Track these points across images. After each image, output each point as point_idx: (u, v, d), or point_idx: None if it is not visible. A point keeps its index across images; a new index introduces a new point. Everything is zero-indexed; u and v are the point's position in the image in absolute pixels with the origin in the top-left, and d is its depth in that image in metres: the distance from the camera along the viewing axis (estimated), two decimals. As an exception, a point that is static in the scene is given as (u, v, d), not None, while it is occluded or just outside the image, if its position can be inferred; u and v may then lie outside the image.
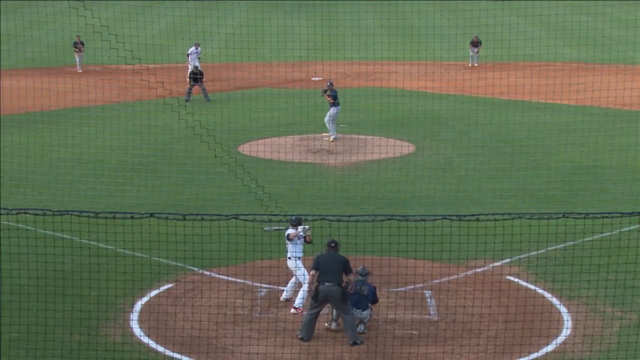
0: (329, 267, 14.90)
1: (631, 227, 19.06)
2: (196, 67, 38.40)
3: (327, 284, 14.86)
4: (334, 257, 15.05)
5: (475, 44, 48.96)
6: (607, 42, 48.91)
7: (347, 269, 15.00)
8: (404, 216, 13.51)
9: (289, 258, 16.36)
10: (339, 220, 13.74)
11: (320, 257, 15.17)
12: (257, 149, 29.28)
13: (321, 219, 13.51)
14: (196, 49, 42.23)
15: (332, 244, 15.18)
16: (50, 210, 12.51)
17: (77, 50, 46.71)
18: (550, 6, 59.67)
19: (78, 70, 46.42)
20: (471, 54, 49.00)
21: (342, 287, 14.92)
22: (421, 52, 45.16)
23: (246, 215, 13.42)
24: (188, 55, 42.10)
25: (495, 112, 34.38)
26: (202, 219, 12.97)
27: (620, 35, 54.07)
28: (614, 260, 16.39)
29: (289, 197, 23.30)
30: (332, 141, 29.71)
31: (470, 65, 48.35)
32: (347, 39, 52.07)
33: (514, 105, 36.57)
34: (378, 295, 15.82)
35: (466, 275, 17.85)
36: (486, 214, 13.25)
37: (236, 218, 12.84)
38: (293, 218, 16.40)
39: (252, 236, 17.32)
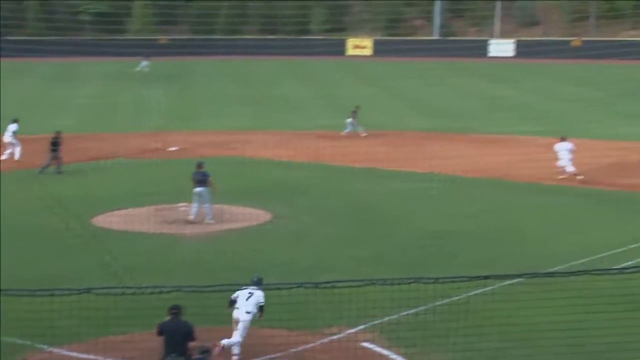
0: (173, 335, 14.44)
1: (477, 291, 19.50)
2: (56, 134, 37.16)
3: (172, 355, 14.40)
4: (178, 325, 14.59)
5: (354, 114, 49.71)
6: (455, 112, 50.66)
7: (190, 337, 14.52)
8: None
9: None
10: (194, 291, 13.49)
11: (164, 325, 14.70)
12: (112, 220, 28.62)
13: (177, 290, 13.23)
14: (14, 124, 40.65)
15: (174, 310, 14.71)
16: None
17: None
18: (397, 77, 61.52)
19: None
20: (350, 121, 49.50)
21: (186, 357, 14.40)
22: (276, 121, 45.65)
23: (100, 288, 13.00)
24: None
25: (350, 180, 34.85)
26: (53, 295, 12.49)
27: (468, 105, 56.08)
28: (462, 324, 16.68)
29: (145, 269, 22.79)
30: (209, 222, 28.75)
31: (344, 134, 48.77)
32: (202, 108, 52.01)
33: (367, 173, 37.16)
34: None
35: (322, 342, 17.79)
36: (341, 281, 13.28)
37: (88, 292, 12.42)
38: (255, 279, 16.85)
39: (106, 310, 16.80)
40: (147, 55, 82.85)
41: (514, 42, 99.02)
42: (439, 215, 29.96)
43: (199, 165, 29.19)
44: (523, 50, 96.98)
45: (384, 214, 30.21)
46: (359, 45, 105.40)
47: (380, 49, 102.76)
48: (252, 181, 34.87)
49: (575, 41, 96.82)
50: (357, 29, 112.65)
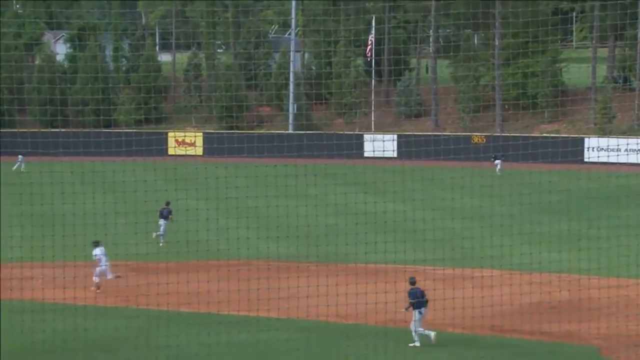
0: None
1: None
2: None
3: None
4: None
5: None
6: (319, 233, 51.16)
7: None
8: None
9: None
10: None
11: None
12: None
13: None
14: None
15: None
16: None
17: None
18: (239, 185, 61.94)
19: None
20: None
21: None
22: (69, 248, 44.82)
23: None
24: None
25: (178, 330, 34.43)
26: None
27: (335, 224, 56.65)
28: None
29: None
30: None
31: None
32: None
33: (203, 319, 36.86)
34: None
35: None
36: None
37: None
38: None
39: None
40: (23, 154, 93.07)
41: (395, 139, 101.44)
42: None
43: None
44: (408, 150, 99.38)
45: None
46: (185, 142, 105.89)
47: (213, 147, 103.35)
48: (34, 336, 33.94)
49: (478, 137, 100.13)
50: (181, 119, 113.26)
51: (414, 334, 34.10)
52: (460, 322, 35.99)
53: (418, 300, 34.13)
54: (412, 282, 35.03)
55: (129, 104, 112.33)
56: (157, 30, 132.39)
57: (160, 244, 53.98)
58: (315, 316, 36.92)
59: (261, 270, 45.59)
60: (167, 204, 55.83)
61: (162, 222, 55.29)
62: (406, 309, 34.46)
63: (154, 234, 54.78)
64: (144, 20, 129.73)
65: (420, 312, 34.13)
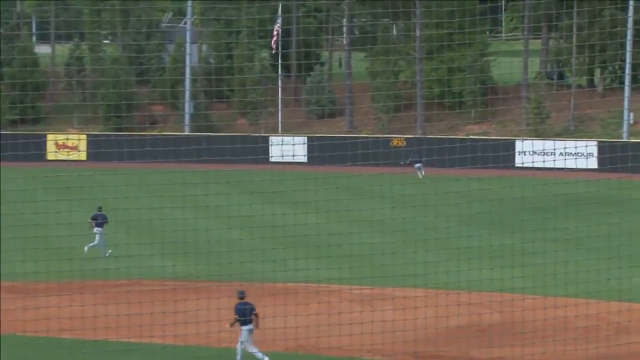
0: None
1: None
2: None
3: None
4: None
5: None
6: (220, 248, 51.01)
7: None
8: None
9: None
10: None
11: None
12: None
13: None
14: None
15: None
16: None
17: None
18: (130, 194, 61.57)
19: None
20: None
21: None
22: None
23: None
24: None
25: (56, 359, 34.17)
26: None
27: (237, 238, 56.58)
28: None
29: None
30: None
31: None
32: None
33: (82, 346, 36.54)
34: None
35: None
36: None
37: None
38: None
39: None
40: None
41: (305, 142, 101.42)
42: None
43: None
44: (320, 154, 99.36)
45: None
46: (66, 145, 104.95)
47: (99, 151, 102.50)
48: None
49: (397, 140, 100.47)
50: (62, 120, 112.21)
51: (238, 356, 34.54)
52: (380, 348, 36.03)
53: (246, 317, 34.50)
54: (241, 296, 35.32)
55: (1, 103, 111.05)
56: (33, 18, 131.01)
57: (106, 255, 54.79)
58: (217, 343, 36.77)
59: (155, 292, 45.30)
60: (100, 209, 56.41)
61: (97, 230, 55.54)
62: (231, 325, 34.75)
63: (86, 248, 54.80)
64: (18, 7, 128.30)
65: (249, 331, 34.42)
